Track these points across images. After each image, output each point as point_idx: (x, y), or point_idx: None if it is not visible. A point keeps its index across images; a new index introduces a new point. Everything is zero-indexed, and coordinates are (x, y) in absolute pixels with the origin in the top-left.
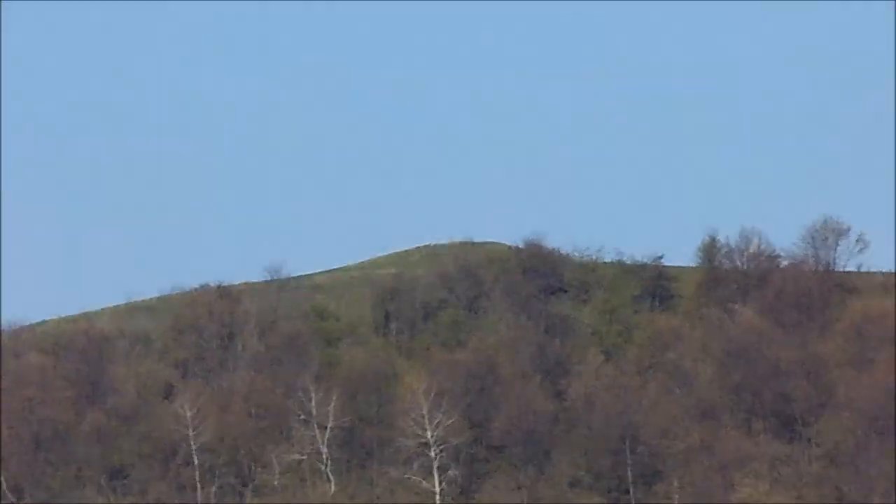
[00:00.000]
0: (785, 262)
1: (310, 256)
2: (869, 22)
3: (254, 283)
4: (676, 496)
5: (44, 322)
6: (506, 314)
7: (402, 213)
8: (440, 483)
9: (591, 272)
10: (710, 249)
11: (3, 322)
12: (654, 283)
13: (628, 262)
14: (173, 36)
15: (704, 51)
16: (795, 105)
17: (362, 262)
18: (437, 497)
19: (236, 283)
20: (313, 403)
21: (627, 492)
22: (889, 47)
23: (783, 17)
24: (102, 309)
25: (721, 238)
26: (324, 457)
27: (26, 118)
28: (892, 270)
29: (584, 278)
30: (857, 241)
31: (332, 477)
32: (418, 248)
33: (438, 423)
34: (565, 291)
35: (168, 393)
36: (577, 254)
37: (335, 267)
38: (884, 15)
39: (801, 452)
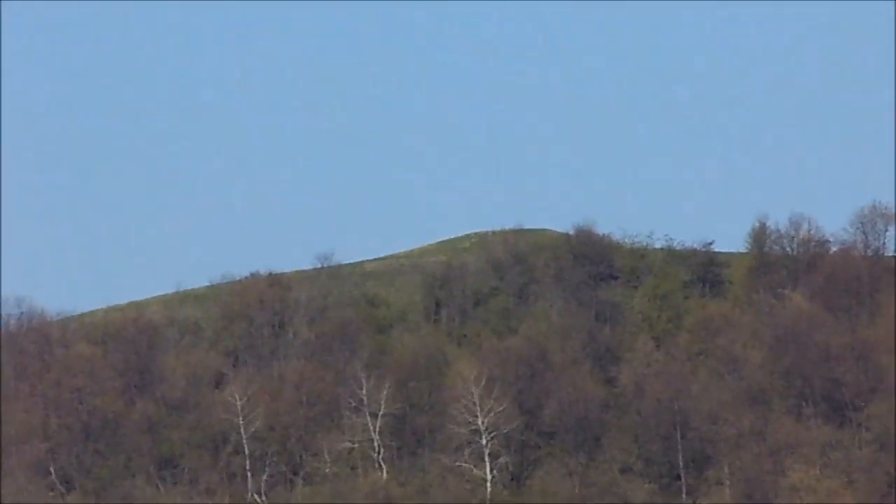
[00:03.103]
0: (834, 248)
1: (360, 244)
2: None
3: (304, 271)
4: (727, 481)
5: (92, 312)
6: (556, 301)
7: (451, 201)
8: (491, 470)
9: (640, 258)
10: (760, 235)
11: (52, 312)
12: (704, 269)
13: (678, 249)
14: (190, 35)
15: (754, 41)
16: (842, 92)
17: (412, 250)
18: (489, 484)
19: (286, 271)
20: (364, 391)
21: (678, 477)
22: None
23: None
24: (152, 298)
25: (770, 224)
26: (375, 444)
27: (58, 112)
28: None
29: (634, 265)
30: None
31: (383, 464)
32: (468, 235)
33: (489, 410)
34: (615, 278)
35: (218, 382)
36: (626, 240)
37: (385, 255)
38: None
39: (852, 437)
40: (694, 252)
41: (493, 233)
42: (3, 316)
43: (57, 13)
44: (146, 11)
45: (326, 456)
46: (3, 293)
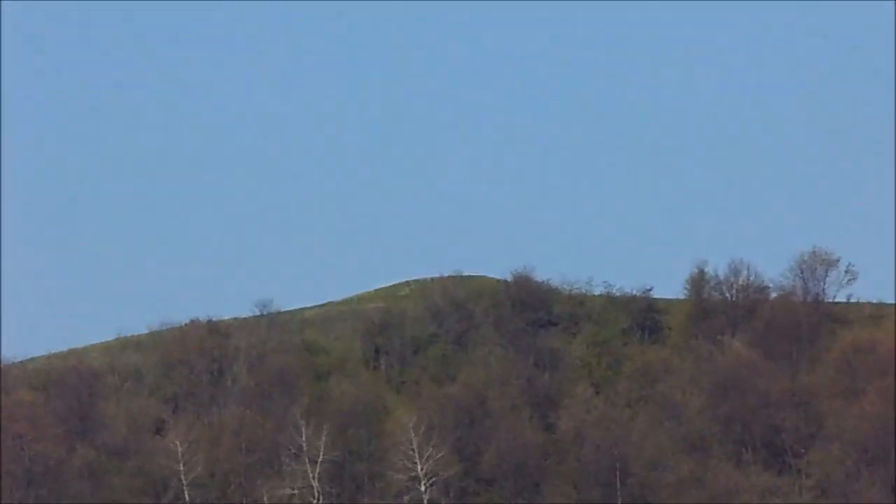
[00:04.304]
0: (774, 294)
1: (299, 291)
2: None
3: (243, 318)
4: None
5: (34, 359)
6: (495, 348)
7: (390, 248)
8: None
9: (580, 305)
10: (699, 281)
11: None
12: (644, 316)
13: (617, 295)
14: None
15: (690, 76)
16: (782, 134)
17: (351, 297)
18: None
19: (226, 318)
20: (304, 438)
21: None
22: (889, 49)
23: (776, 25)
24: (92, 345)
25: (710, 270)
26: (315, 491)
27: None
28: (881, 301)
29: (574, 311)
30: (846, 271)
31: None
32: (407, 282)
33: (429, 456)
34: (555, 324)
35: (159, 428)
36: (566, 287)
37: (324, 301)
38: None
39: (792, 484)
40: (633, 298)
41: (432, 279)
42: None
43: (57, 13)
44: (147, 12)
45: (266, 503)
46: None
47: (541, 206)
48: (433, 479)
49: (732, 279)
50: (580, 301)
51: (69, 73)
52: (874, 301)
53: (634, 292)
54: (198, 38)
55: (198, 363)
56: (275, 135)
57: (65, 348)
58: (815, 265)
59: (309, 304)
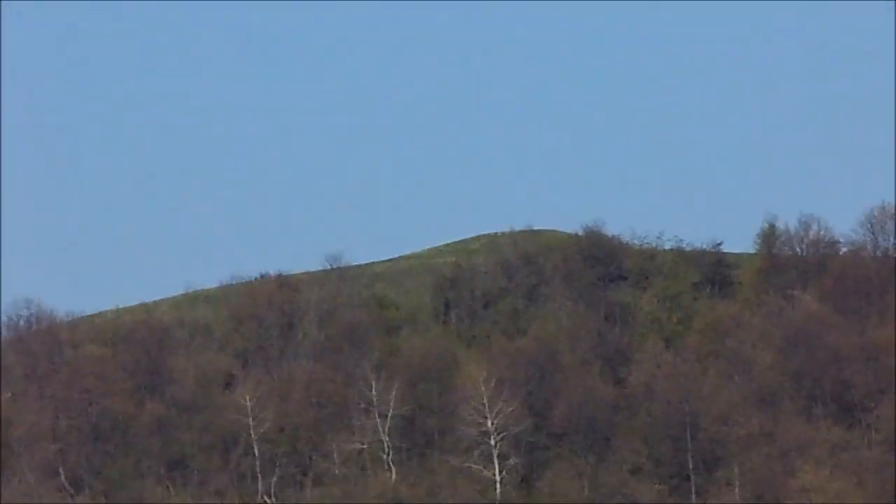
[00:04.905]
0: (844, 249)
1: (369, 245)
2: None
3: (313, 273)
4: (737, 482)
5: (102, 313)
6: (565, 302)
7: (460, 202)
8: (500, 471)
9: (650, 260)
10: (770, 236)
11: (61, 313)
12: (714, 271)
13: (687, 250)
14: (189, 35)
15: (761, 41)
16: (850, 93)
17: (421, 251)
18: (498, 485)
19: (296, 272)
20: (374, 392)
21: (688, 478)
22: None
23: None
24: (162, 300)
25: (780, 225)
26: (385, 445)
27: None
28: None
29: (644, 266)
30: None
31: (392, 466)
32: (477, 236)
33: (499, 411)
34: (625, 279)
35: (228, 383)
36: (636, 241)
37: (394, 256)
38: None
39: (862, 438)
40: (703, 253)
41: (503, 234)
42: (5, 318)
43: (57, 13)
44: (148, 12)
45: (336, 457)
46: (7, 295)
47: (611, 160)
48: (503, 433)
49: (803, 234)
50: (650, 255)
51: (69, 73)
52: None
53: (704, 247)
54: (198, 38)
55: (267, 318)
56: (348, 86)
57: (134, 303)
58: (885, 220)
59: (379, 259)
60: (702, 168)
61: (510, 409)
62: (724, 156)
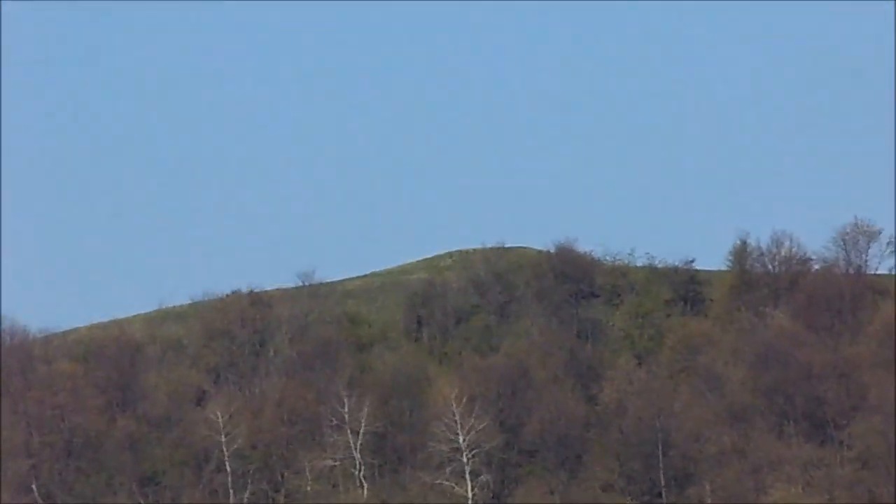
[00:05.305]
0: (816, 266)
1: (341, 262)
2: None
3: (285, 289)
4: (709, 499)
5: (75, 329)
6: (537, 319)
7: (432, 219)
8: (472, 488)
9: (622, 276)
10: (742, 253)
11: (33, 329)
12: (686, 287)
13: (660, 267)
14: (178, 36)
15: (732, 52)
16: (824, 106)
17: (393, 268)
18: (470, 502)
19: (268, 288)
20: (346, 409)
21: (660, 495)
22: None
23: (801, 18)
24: (134, 316)
25: (752, 242)
26: (357, 462)
27: (32, 119)
28: None
29: (616, 283)
30: (888, 243)
31: (364, 482)
32: (449, 253)
33: (470, 427)
34: (597, 296)
35: (200, 399)
36: (608, 258)
37: (366, 272)
38: None
39: (834, 455)
40: (675, 270)
41: (474, 250)
42: None
43: (57, 13)
44: (149, 12)
45: (308, 474)
46: None
47: (583, 177)
48: (475, 450)
49: (775, 251)
50: (622, 272)
51: (69, 73)
52: None
53: (677, 264)
54: (197, 38)
55: (239, 334)
56: (319, 102)
57: (106, 319)
58: (858, 237)
59: (351, 275)
60: (674, 185)
61: (482, 425)
62: (696, 172)
